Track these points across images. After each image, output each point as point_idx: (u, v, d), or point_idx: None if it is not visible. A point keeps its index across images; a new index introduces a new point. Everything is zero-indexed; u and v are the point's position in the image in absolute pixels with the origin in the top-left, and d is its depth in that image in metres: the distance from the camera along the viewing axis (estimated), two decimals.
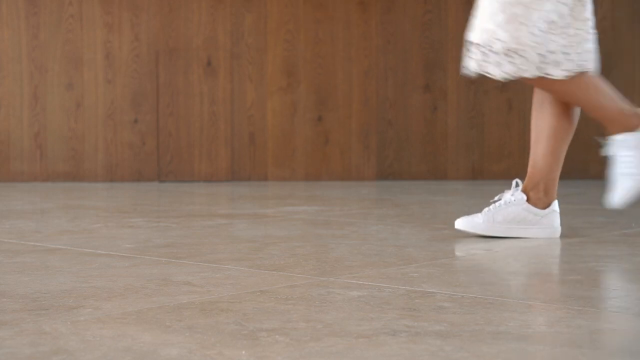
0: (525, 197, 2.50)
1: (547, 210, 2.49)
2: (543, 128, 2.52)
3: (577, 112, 2.53)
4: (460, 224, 2.50)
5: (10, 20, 4.71)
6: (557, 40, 2.40)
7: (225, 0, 4.78)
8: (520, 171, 4.84)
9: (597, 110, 2.45)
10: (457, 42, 4.83)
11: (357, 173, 4.84)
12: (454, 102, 4.86)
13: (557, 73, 2.39)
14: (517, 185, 2.52)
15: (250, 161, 4.77)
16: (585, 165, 4.89)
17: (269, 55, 4.83)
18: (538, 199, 2.50)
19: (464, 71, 2.47)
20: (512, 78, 2.40)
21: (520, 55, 2.37)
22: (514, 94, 4.87)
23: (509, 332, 1.34)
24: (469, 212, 3.20)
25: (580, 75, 2.42)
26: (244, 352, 1.23)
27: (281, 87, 4.84)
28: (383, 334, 1.34)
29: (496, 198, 2.53)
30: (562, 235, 2.52)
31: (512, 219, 2.47)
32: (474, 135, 4.87)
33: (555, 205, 2.52)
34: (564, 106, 2.50)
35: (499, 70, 2.38)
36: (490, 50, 2.38)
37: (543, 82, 2.42)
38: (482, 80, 4.84)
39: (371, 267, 2.05)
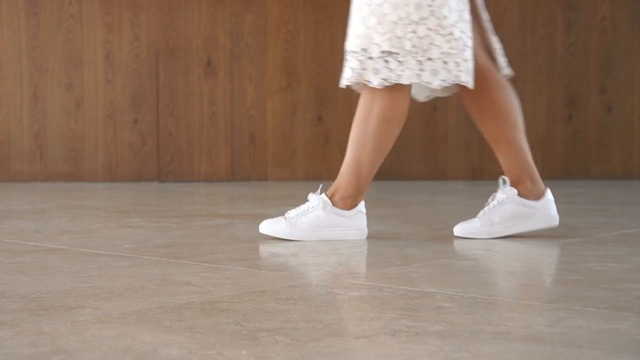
0: (516, 192, 2.48)
1: (542, 201, 2.48)
2: (493, 130, 2.50)
3: (514, 97, 2.50)
4: (459, 230, 2.48)
5: (10, 20, 4.71)
6: (440, 45, 2.34)
7: (225, 0, 4.78)
8: None
9: (365, 148, 2.41)
10: None
11: None
12: (454, 102, 4.86)
13: (435, 82, 2.35)
14: (504, 182, 2.51)
15: (250, 161, 4.77)
16: (586, 165, 4.89)
17: (269, 55, 4.83)
18: (529, 191, 2.49)
19: (343, 83, 2.41)
20: (389, 85, 2.35)
21: (398, 61, 2.34)
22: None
23: (509, 332, 1.34)
24: (468, 213, 3.20)
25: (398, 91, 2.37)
26: (244, 352, 1.23)
27: (281, 87, 4.84)
28: (383, 334, 1.34)
29: (489, 200, 2.53)
30: (562, 235, 2.52)
31: (509, 217, 2.46)
32: (474, 135, 4.87)
33: (549, 193, 2.51)
34: (501, 103, 2.48)
35: (376, 77, 2.34)
36: (369, 57, 2.35)
37: (364, 95, 2.40)
38: None
39: (371, 267, 2.05)
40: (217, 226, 2.79)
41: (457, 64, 2.35)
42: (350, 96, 4.83)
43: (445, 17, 2.33)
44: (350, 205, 2.45)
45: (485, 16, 2.51)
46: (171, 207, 3.48)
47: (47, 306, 1.53)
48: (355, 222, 2.44)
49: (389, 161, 4.85)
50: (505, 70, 2.52)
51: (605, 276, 1.86)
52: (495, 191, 2.54)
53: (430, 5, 2.33)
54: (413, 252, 2.23)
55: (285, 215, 2.45)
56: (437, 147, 4.86)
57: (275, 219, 2.46)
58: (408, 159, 4.85)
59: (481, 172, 4.86)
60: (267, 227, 2.44)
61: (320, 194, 2.47)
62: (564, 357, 1.21)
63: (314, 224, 2.42)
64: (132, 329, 1.36)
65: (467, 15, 2.39)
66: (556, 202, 2.54)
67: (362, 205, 2.46)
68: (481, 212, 2.48)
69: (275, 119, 4.81)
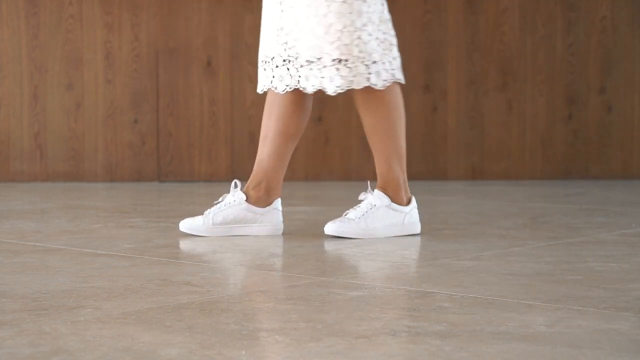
0: (244, 197, 2.54)
1: (267, 208, 2.54)
2: (270, 129, 2.55)
3: (305, 116, 2.57)
4: (183, 226, 2.53)
5: (10, 20, 4.71)
6: (377, 49, 2.44)
7: (225, 0, 4.78)
8: (519, 171, 4.84)
9: (396, 139, 2.54)
10: (457, 42, 4.83)
11: (357, 173, 4.84)
12: (454, 102, 4.86)
13: (380, 83, 2.45)
14: (235, 186, 2.58)
15: (250, 161, 4.75)
16: (586, 165, 4.90)
17: None
18: (259, 197, 2.56)
19: (310, 90, 2.46)
20: (342, 91, 2.44)
21: (348, 67, 2.41)
22: (514, 94, 4.88)
23: (509, 332, 1.34)
24: (468, 213, 3.20)
25: (394, 87, 2.50)
26: (244, 352, 1.23)
27: None
28: (383, 334, 1.34)
29: (220, 199, 2.58)
30: (562, 236, 2.52)
31: (231, 220, 2.52)
32: (474, 135, 4.87)
33: (278, 203, 2.57)
34: (293, 109, 2.53)
35: (331, 85, 2.42)
36: (324, 66, 2.42)
37: (368, 94, 2.48)
38: (482, 80, 4.84)
39: (371, 267, 2.05)
40: None
41: (390, 63, 2.48)
42: (350, 96, 4.83)
43: (376, 23, 2.45)
44: (407, 201, 2.57)
45: None
46: (171, 207, 3.48)
47: (47, 306, 1.54)
48: (413, 216, 2.56)
49: None
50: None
51: (605, 276, 1.86)
52: (499, 190, 2.55)
53: (367, 12, 2.42)
54: (413, 252, 2.23)
55: (345, 215, 2.51)
56: (437, 147, 4.87)
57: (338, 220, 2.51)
58: (408, 159, 4.82)
59: (481, 172, 4.86)
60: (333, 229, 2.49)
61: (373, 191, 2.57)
62: (564, 357, 1.21)
63: (382, 221, 2.49)
64: (132, 329, 1.36)
65: (387, 15, 2.50)
66: (556, 202, 2.54)
67: (413, 200, 2.59)
68: (207, 211, 2.53)
69: None
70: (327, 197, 3.93)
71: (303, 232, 2.59)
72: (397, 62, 2.51)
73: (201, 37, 4.77)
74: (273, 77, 2.47)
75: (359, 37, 2.41)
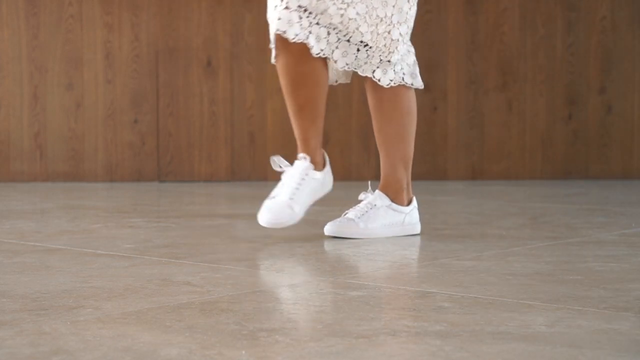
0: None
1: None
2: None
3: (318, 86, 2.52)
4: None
5: (10, 20, 4.71)
6: (399, 50, 2.45)
7: (225, 0, 4.78)
8: (519, 171, 4.84)
9: (404, 143, 2.54)
10: (457, 42, 4.83)
11: (357, 173, 4.84)
12: (454, 102, 4.86)
13: (385, 81, 2.46)
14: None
15: (250, 161, 4.76)
16: (585, 165, 4.89)
17: (269, 55, 4.83)
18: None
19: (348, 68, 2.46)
20: (348, 70, 2.46)
21: (367, 53, 2.42)
22: (514, 94, 4.88)
23: (509, 332, 1.34)
24: (468, 213, 3.20)
25: (409, 92, 2.52)
26: (244, 352, 1.23)
27: (281, 87, 4.83)
28: (383, 334, 1.34)
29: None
30: (562, 236, 2.52)
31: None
32: (474, 135, 4.87)
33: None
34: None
35: (342, 60, 2.42)
36: (347, 40, 2.41)
37: (381, 95, 2.50)
38: (482, 80, 4.84)
39: (371, 267, 2.05)
40: (217, 226, 2.79)
41: (402, 67, 2.48)
42: (350, 96, 4.84)
43: (409, 27, 2.47)
44: (408, 201, 2.57)
45: None
46: (171, 207, 3.48)
47: (47, 306, 1.53)
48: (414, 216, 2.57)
49: None
50: None
51: (605, 276, 1.86)
52: (501, 190, 2.55)
53: (407, 12, 2.43)
54: (413, 252, 2.23)
55: (345, 216, 2.51)
56: (437, 147, 4.87)
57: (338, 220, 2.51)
58: None
59: (481, 172, 4.86)
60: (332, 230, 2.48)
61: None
62: (564, 357, 1.21)
63: (382, 221, 2.49)
64: (132, 329, 1.36)
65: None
66: (556, 202, 2.54)
67: (414, 201, 2.60)
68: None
69: (275, 119, 4.81)
70: (327, 197, 3.92)
71: (303, 232, 2.59)
72: (410, 69, 2.50)
73: (201, 37, 4.77)
74: (310, 32, 2.38)
75: (389, 32, 2.40)
